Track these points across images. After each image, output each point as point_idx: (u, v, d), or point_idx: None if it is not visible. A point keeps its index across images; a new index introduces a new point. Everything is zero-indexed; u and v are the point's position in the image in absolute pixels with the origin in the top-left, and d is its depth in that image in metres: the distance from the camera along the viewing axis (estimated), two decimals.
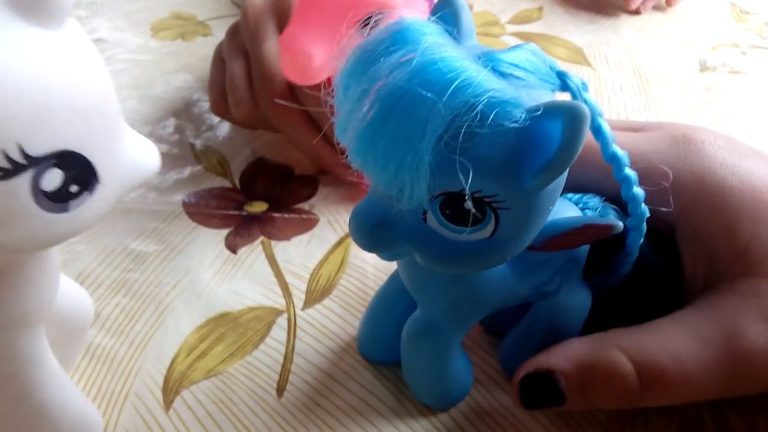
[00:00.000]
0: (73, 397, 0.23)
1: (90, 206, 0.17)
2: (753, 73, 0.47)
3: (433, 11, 0.19)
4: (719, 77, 0.47)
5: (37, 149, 0.15)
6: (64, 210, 0.16)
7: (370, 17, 0.19)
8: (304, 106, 0.34)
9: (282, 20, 0.35)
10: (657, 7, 0.55)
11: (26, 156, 0.15)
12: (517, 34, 0.51)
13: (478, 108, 0.16)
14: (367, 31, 0.18)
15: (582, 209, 0.25)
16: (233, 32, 0.38)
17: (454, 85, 0.16)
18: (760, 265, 0.22)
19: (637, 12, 0.54)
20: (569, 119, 0.16)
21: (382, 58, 0.17)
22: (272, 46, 0.34)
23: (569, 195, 0.25)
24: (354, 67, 0.18)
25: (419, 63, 0.16)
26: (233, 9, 0.54)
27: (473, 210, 0.17)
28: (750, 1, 0.56)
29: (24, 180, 0.15)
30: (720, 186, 0.23)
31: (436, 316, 0.24)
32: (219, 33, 0.50)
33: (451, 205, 0.18)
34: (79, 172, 0.16)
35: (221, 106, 0.37)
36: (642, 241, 0.24)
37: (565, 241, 0.22)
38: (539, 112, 0.16)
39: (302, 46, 0.31)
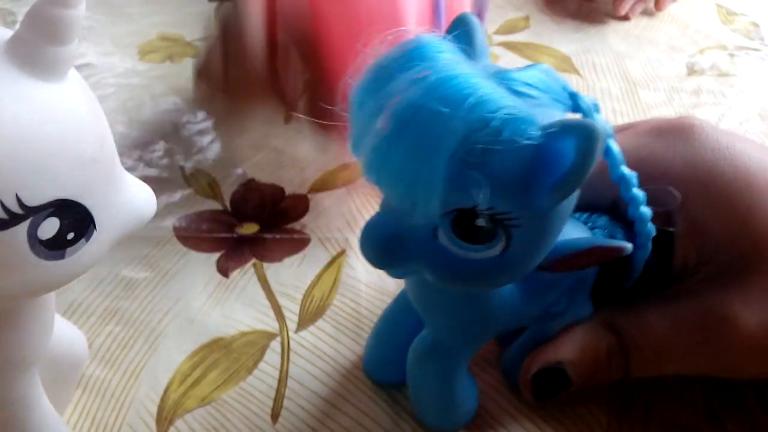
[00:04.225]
0: None
1: (86, 252, 0.17)
2: (741, 75, 0.47)
3: (449, 30, 0.19)
4: (708, 80, 0.47)
5: (35, 199, 0.15)
6: (61, 257, 0.16)
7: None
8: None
9: None
10: (645, 12, 0.55)
11: (23, 206, 0.15)
12: (504, 44, 0.51)
13: (494, 124, 0.16)
14: (382, 48, 0.18)
15: (591, 228, 0.24)
16: None
17: (470, 101, 0.16)
18: (750, 258, 0.22)
19: (626, 18, 0.54)
20: (583, 137, 0.16)
21: (397, 75, 0.17)
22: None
23: (577, 214, 0.25)
24: (369, 83, 0.18)
25: (436, 79, 0.17)
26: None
27: (487, 225, 0.17)
28: (736, 2, 0.56)
29: (21, 229, 0.15)
30: (711, 173, 0.23)
31: (444, 336, 0.23)
32: None
33: (463, 222, 0.18)
34: (77, 219, 0.16)
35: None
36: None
37: (573, 262, 0.22)
38: (554, 130, 0.16)
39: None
